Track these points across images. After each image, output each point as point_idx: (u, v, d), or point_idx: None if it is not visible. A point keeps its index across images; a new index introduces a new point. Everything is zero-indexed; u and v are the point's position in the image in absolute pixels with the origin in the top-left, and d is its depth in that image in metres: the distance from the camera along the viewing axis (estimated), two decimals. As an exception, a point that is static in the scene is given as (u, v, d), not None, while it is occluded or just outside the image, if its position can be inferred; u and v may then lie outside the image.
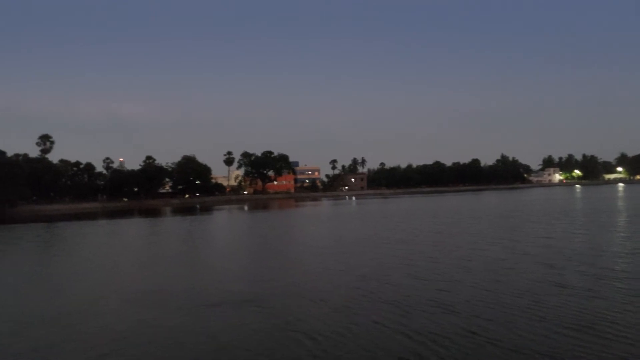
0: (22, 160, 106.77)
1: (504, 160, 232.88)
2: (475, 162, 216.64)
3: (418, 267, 18.59)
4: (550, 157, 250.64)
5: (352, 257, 22.10)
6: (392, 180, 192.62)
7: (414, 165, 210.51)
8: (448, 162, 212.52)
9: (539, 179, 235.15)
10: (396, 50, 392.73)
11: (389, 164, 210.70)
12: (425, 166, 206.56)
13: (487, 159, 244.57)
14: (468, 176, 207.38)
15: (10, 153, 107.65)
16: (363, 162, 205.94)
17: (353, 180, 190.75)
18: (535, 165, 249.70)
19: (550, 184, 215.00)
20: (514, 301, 12.97)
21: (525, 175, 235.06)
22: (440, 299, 13.52)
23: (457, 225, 35.76)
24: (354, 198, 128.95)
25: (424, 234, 31.01)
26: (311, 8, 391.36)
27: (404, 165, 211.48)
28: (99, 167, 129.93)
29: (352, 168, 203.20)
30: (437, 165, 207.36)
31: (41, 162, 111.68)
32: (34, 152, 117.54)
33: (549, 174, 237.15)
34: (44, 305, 14.25)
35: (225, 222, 56.49)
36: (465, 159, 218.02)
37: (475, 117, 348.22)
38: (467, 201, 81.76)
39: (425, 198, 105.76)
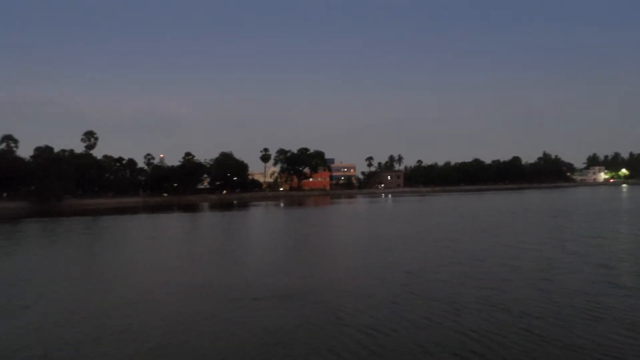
0: (68, 156, 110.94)
1: (546, 158, 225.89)
2: (515, 159, 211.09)
3: (465, 265, 18.21)
4: (595, 155, 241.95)
5: (395, 254, 21.86)
6: (429, 178, 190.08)
7: (452, 163, 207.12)
8: (487, 160, 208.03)
9: (583, 178, 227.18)
10: (435, 47, 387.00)
11: (427, 161, 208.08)
12: (463, 164, 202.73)
13: (528, 157, 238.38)
14: (508, 174, 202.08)
15: (57, 149, 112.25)
16: (400, 159, 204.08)
17: (389, 177, 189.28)
18: (579, 163, 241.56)
19: (595, 183, 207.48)
20: (566, 300, 12.53)
21: (568, 174, 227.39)
22: (490, 297, 13.17)
23: (501, 224, 34.89)
24: (390, 196, 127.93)
25: (468, 232, 30.36)
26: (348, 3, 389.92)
27: (441, 163, 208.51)
28: (141, 163, 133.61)
29: (389, 165, 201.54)
30: (476, 163, 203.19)
31: (86, 157, 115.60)
32: (79, 148, 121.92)
33: (594, 173, 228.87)
34: (97, 297, 14.61)
35: (262, 217, 56.99)
36: (505, 157, 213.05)
37: (516, 114, 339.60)
38: (508, 200, 79.77)
39: (464, 196, 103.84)
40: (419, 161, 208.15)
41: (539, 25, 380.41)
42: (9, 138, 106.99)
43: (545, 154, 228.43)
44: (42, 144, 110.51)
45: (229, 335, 10.49)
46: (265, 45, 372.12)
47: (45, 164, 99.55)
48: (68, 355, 9.44)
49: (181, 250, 26.59)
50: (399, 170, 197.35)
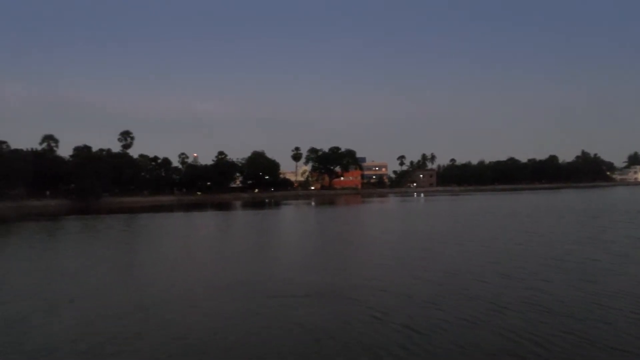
0: (105, 155, 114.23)
1: (584, 156, 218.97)
2: (552, 158, 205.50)
3: (505, 266, 17.75)
4: (636, 153, 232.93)
5: (432, 254, 21.55)
6: (463, 177, 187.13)
7: (487, 162, 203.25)
8: (523, 159, 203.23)
9: (623, 177, 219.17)
10: (468, 43, 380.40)
11: (460, 160, 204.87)
12: (498, 162, 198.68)
13: (566, 156, 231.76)
14: (544, 174, 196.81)
15: (95, 148, 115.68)
16: (432, 158, 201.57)
17: (422, 176, 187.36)
18: (619, 162, 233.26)
19: (636, 183, 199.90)
20: (612, 302, 12.05)
21: (608, 173, 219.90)
22: (531, 297, 12.78)
23: (541, 224, 33.89)
24: (422, 195, 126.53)
25: (507, 232, 29.56)
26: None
27: (475, 162, 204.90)
28: (175, 162, 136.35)
29: (421, 164, 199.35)
30: (512, 161, 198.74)
31: (123, 157, 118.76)
32: (116, 147, 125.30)
33: (635, 172, 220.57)
34: (138, 292, 14.75)
35: (294, 216, 57.27)
36: (541, 156, 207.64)
37: (553, 112, 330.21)
38: (546, 200, 77.69)
39: (499, 196, 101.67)
40: (452, 160, 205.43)
41: (578, 22, 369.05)
42: (49, 138, 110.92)
43: (583, 153, 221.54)
44: (80, 143, 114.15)
45: (266, 332, 10.50)
46: (298, 45, 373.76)
47: (84, 163, 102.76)
48: (111, 350, 9.63)
49: (217, 248, 27.01)
50: (431, 169, 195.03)
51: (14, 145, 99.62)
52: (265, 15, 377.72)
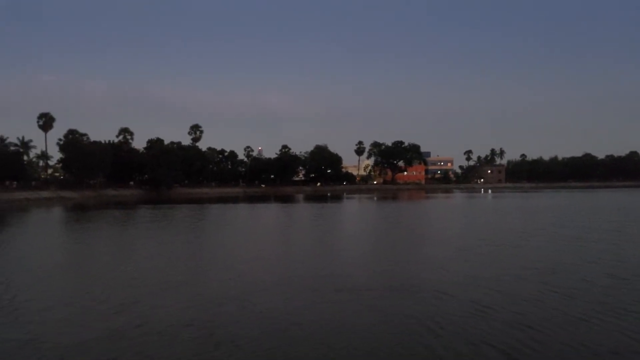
0: (176, 148, 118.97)
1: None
2: (633, 155, 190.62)
3: (605, 265, 16.62)
4: None
5: (516, 250, 20.48)
6: (534, 173, 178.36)
7: (560, 158, 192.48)
8: (600, 155, 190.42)
9: None
10: (539, 34, 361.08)
11: (531, 155, 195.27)
12: (572, 158, 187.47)
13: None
14: (623, 171, 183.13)
15: (166, 141, 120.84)
16: (501, 153, 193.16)
17: (489, 172, 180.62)
18: None
19: None
20: None
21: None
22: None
23: (634, 225, 31.45)
24: (489, 191, 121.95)
25: (596, 231, 27.55)
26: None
27: (547, 157, 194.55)
28: (241, 155, 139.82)
29: (489, 159, 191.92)
30: (587, 157, 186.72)
31: (192, 149, 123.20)
32: (185, 140, 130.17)
33: None
34: (215, 287, 14.33)
35: (356, 210, 56.95)
36: (621, 151, 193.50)
37: (634, 105, 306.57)
38: (628, 198, 72.33)
39: (574, 194, 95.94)
40: (523, 155, 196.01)
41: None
42: (125, 131, 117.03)
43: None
44: (154, 136, 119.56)
45: (375, 326, 10.17)
46: (361, 40, 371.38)
47: (157, 155, 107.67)
48: (222, 336, 9.60)
49: (290, 240, 27.24)
50: (500, 165, 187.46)
51: (94, 137, 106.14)
52: (325, 13, 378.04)
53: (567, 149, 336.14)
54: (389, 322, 10.27)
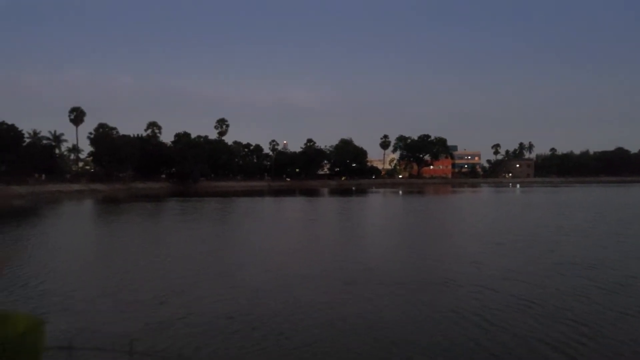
0: (203, 142, 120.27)
1: None
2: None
3: None
4: None
5: (560, 246, 19.98)
6: (563, 167, 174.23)
7: (591, 152, 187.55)
8: (633, 149, 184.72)
9: None
10: (570, 27, 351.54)
11: (561, 149, 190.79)
12: (604, 153, 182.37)
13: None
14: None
15: (193, 135, 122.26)
16: (530, 147, 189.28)
17: (518, 166, 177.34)
18: None
19: None
20: None
21: None
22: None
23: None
24: (518, 186, 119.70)
25: (634, 226, 26.79)
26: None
27: (578, 151, 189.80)
28: (266, 149, 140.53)
29: (518, 153, 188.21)
30: (620, 151, 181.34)
31: (218, 143, 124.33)
32: (212, 134, 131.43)
33: None
34: (253, 279, 14.33)
35: (381, 204, 56.69)
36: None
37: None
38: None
39: (607, 188, 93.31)
40: (552, 149, 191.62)
41: None
42: (153, 125, 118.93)
43: None
44: (181, 130, 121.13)
45: (429, 319, 10.13)
46: (387, 34, 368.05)
47: (184, 148, 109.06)
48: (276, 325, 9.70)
49: (316, 233, 27.31)
50: (529, 159, 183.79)
51: (123, 131, 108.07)
52: (350, 6, 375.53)
53: (599, 143, 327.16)
54: (432, 316, 10.14)
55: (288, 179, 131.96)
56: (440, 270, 15.04)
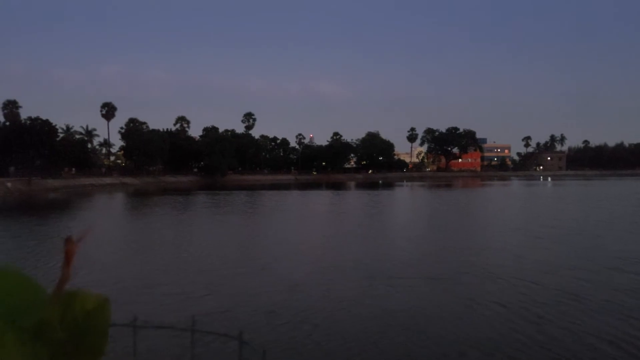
0: (230, 136, 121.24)
1: None
2: None
3: None
4: None
5: (602, 240, 19.54)
6: (597, 160, 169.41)
7: (626, 144, 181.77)
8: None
9: None
10: (602, 17, 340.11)
11: (594, 141, 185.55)
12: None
13: None
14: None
15: (221, 129, 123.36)
16: (562, 139, 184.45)
17: (549, 159, 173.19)
18: None
19: None
20: None
21: None
22: None
23: None
24: (549, 179, 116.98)
25: None
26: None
27: (612, 144, 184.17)
28: (292, 143, 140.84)
29: (549, 146, 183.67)
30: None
31: (246, 137, 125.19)
32: (239, 127, 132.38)
33: None
34: (292, 272, 14.52)
35: (412, 197, 56.16)
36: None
37: None
38: None
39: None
40: (585, 142, 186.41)
41: None
42: (182, 119, 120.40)
43: None
44: (209, 124, 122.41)
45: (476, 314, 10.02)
46: (416, 26, 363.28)
47: (212, 142, 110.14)
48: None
49: (348, 227, 27.22)
50: (560, 152, 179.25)
51: (152, 125, 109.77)
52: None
53: (635, 135, 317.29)
54: (478, 310, 9.97)
55: (315, 172, 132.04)
56: (481, 264, 14.75)
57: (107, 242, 19.89)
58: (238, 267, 14.59)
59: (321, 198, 53.81)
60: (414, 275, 13.27)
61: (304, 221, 29.34)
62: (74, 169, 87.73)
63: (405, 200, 51.01)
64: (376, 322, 9.23)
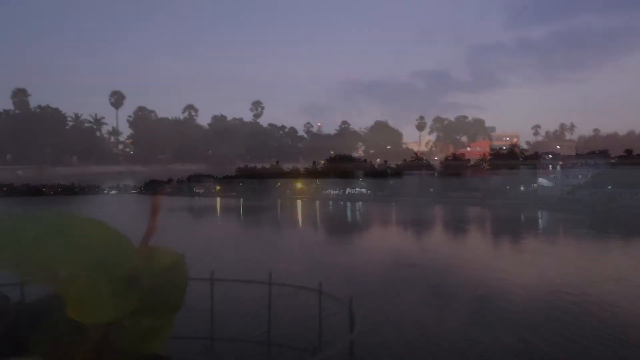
0: (238, 124, 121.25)
1: None
2: None
3: None
4: None
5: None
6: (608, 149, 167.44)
7: (637, 132, 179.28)
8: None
9: None
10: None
11: (605, 130, 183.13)
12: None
13: None
14: None
15: (229, 117, 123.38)
16: (572, 128, 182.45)
17: (558, 147, 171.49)
18: None
19: None
20: None
21: None
22: None
23: None
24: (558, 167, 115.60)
25: None
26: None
27: (623, 133, 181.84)
28: (300, 131, 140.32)
29: (559, 135, 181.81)
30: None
31: (254, 126, 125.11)
32: (247, 116, 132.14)
33: None
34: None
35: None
36: None
37: None
38: None
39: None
40: (596, 130, 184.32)
41: None
42: (190, 107, 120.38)
43: None
44: (217, 112, 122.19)
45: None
46: (429, 13, 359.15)
47: (220, 131, 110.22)
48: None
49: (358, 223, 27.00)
50: (570, 141, 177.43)
51: (160, 114, 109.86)
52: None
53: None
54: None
55: (322, 162, 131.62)
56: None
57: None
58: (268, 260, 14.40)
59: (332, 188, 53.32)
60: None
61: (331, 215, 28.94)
62: (75, 158, 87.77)
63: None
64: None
